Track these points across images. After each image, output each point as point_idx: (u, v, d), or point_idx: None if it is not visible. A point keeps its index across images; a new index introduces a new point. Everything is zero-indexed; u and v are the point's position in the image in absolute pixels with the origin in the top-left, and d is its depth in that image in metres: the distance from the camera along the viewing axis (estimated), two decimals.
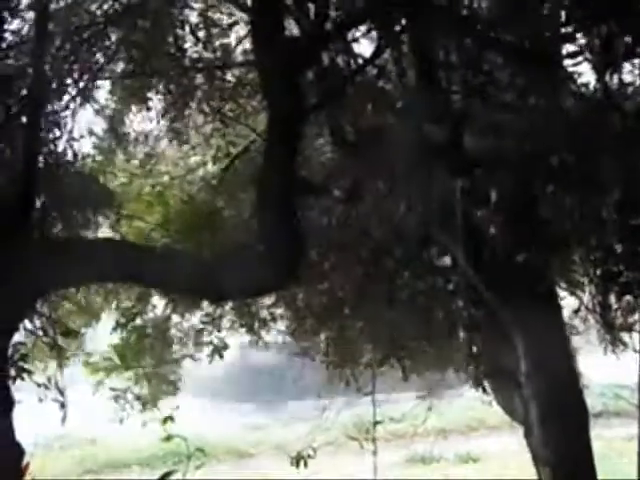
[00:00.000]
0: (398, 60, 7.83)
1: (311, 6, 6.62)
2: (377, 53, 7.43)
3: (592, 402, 10.98)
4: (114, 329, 11.37)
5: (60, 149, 9.06)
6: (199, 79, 10.09)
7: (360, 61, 7.60)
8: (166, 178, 11.28)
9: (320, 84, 7.33)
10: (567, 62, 7.38)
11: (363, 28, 7.49)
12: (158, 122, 10.40)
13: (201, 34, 10.09)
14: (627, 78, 7.80)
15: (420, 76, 8.17)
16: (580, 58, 6.96)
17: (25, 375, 7.53)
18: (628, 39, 6.76)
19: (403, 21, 7.14)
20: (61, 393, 8.32)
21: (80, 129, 9.89)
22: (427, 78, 8.13)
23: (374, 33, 7.81)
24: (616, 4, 6.48)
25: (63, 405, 8.33)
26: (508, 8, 6.64)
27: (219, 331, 11.85)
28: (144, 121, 10.56)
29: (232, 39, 10.13)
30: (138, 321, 11.53)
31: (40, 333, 8.17)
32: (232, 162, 10.71)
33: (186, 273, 6.95)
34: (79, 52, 9.42)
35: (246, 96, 10.09)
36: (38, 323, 8.10)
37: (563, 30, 6.89)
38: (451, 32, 7.04)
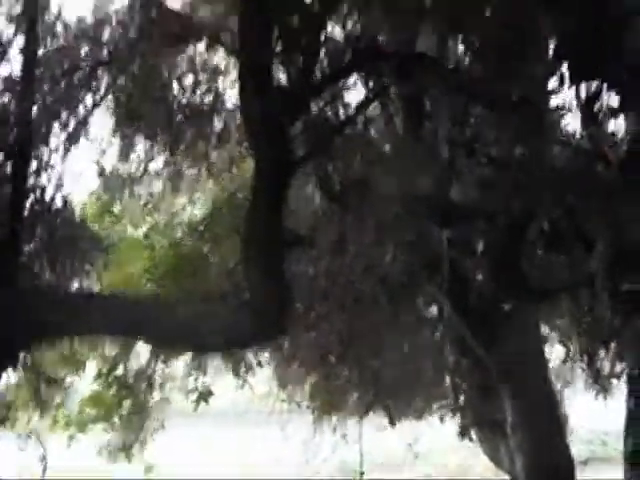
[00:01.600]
0: (386, 111, 7.86)
1: (300, 56, 6.62)
2: (365, 104, 7.45)
3: (579, 449, 10.94)
4: (96, 378, 11.25)
5: (48, 195, 9.08)
6: (187, 124, 10.08)
7: (349, 111, 7.61)
8: (153, 223, 11.25)
9: (308, 135, 7.33)
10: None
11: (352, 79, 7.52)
12: (145, 168, 10.36)
13: (190, 78, 10.13)
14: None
15: (407, 128, 8.23)
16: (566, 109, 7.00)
17: (7, 424, 7.44)
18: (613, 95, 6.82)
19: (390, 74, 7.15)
20: (41, 445, 8.22)
21: (69, 174, 9.95)
22: (414, 130, 8.19)
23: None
24: (601, 61, 6.54)
25: (43, 458, 8.21)
26: (495, 61, 6.66)
27: (205, 375, 11.78)
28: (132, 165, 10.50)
29: (221, 83, 10.15)
30: (120, 370, 11.42)
31: (23, 382, 8.09)
32: (219, 208, 10.68)
33: (168, 324, 6.89)
34: (67, 96, 9.45)
35: (234, 142, 10.08)
36: (22, 373, 8.03)
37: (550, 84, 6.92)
38: (438, 85, 7.08)
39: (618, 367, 10.16)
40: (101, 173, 10.15)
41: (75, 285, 9.25)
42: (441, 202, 8.49)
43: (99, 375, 11.27)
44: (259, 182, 6.96)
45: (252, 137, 6.95)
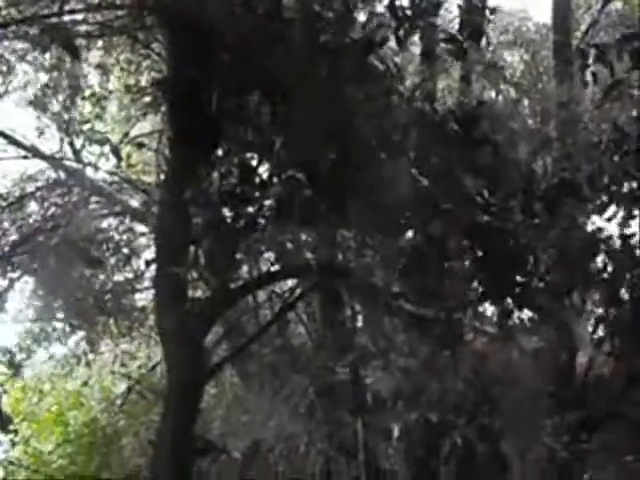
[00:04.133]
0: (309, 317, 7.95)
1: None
2: (283, 311, 7.49)
3: None
4: None
5: None
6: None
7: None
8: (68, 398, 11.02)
9: (226, 341, 7.34)
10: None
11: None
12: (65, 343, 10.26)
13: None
14: None
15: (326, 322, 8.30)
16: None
17: None
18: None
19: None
20: None
21: None
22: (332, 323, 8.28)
23: None
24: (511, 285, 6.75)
25: None
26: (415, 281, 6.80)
27: None
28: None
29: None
30: None
31: None
32: (136, 382, 10.51)
33: None
34: None
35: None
36: None
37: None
38: (356, 297, 7.18)
39: None
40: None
41: None
42: (355, 389, 8.53)
43: None
44: (172, 392, 6.88)
45: (166, 347, 6.90)
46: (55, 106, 10.51)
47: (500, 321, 7.07)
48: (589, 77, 8.05)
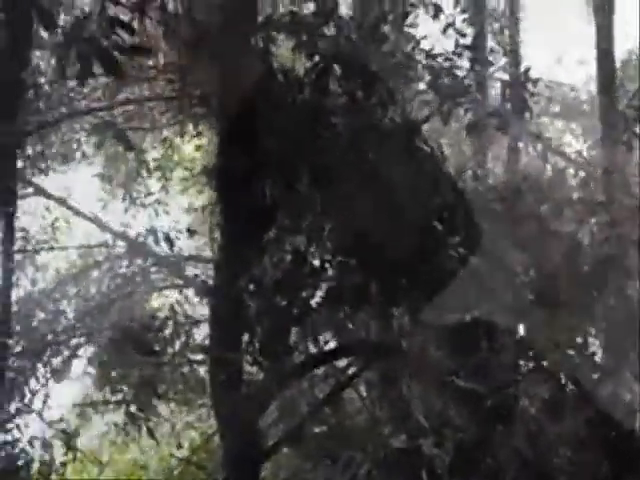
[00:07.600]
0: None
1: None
2: (335, 392, 7.57)
3: None
4: None
5: None
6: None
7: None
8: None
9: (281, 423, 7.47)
10: None
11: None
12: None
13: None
14: None
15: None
16: None
17: None
18: None
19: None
20: None
21: None
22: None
23: None
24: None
25: None
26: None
27: None
28: None
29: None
30: None
31: None
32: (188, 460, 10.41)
33: None
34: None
35: None
36: None
37: None
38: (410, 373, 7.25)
39: None
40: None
41: None
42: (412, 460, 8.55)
43: None
44: (229, 475, 7.02)
45: (222, 429, 7.05)
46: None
47: (553, 395, 7.09)
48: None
